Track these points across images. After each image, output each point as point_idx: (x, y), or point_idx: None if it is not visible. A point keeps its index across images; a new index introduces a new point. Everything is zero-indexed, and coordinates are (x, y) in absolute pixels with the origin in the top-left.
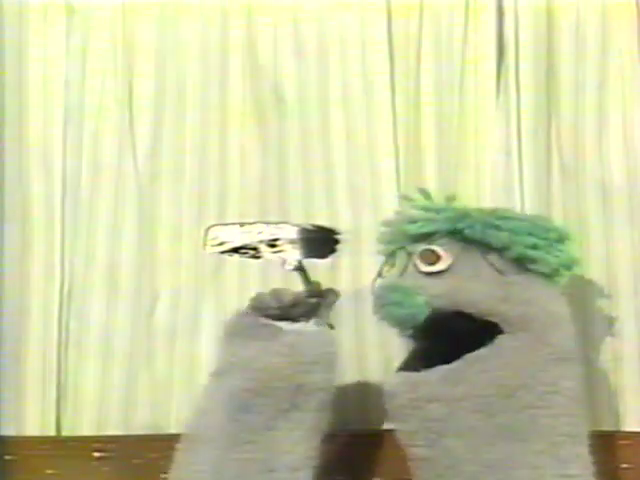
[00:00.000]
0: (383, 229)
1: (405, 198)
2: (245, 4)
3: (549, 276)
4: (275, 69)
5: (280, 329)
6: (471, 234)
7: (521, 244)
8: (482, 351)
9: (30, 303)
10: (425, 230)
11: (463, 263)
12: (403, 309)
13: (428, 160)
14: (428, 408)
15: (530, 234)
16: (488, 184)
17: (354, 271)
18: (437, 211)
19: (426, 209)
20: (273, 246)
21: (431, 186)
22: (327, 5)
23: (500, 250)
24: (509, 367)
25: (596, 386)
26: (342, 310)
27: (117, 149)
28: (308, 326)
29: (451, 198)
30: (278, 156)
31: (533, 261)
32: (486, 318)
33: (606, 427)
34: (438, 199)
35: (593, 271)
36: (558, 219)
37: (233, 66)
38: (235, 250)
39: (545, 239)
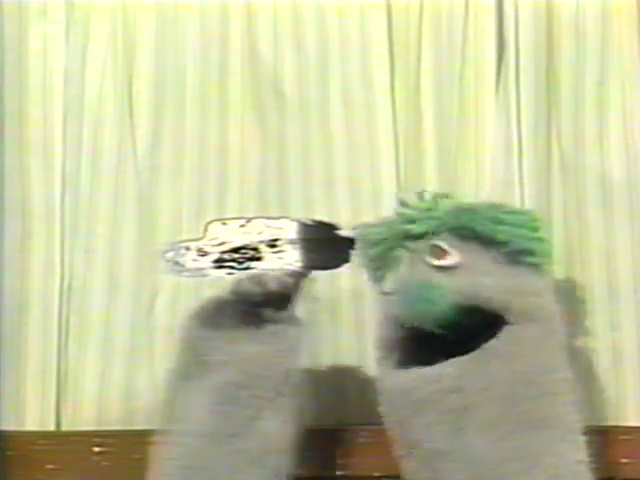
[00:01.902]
0: (375, 230)
1: (401, 201)
2: None
3: (538, 267)
4: (275, 64)
5: (260, 317)
6: (480, 229)
7: (523, 237)
8: (498, 340)
9: (30, 298)
10: (425, 229)
11: (469, 258)
12: (434, 306)
13: (428, 155)
14: (448, 400)
15: (526, 227)
16: (488, 181)
17: (353, 267)
18: (435, 209)
19: (423, 208)
20: (273, 246)
21: (431, 181)
22: (327, 1)
23: (502, 244)
24: (526, 355)
25: (596, 381)
26: (342, 307)
27: (117, 144)
28: (285, 312)
29: (440, 196)
30: (278, 151)
31: (531, 253)
32: (497, 312)
33: (606, 422)
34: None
35: (593, 266)
36: (557, 215)
37: (233, 61)
38: (235, 250)
39: (535, 230)
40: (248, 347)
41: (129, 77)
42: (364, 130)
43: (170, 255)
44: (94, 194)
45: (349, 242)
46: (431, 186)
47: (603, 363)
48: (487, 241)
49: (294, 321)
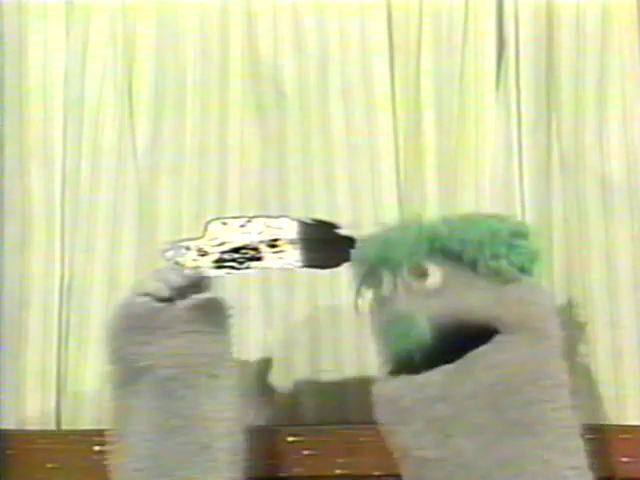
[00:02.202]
0: (358, 249)
1: (378, 223)
2: None
3: (519, 276)
4: (275, 63)
5: (172, 309)
6: (453, 250)
7: (483, 257)
8: (485, 347)
9: (30, 298)
10: (406, 251)
11: (450, 275)
12: (410, 339)
13: (428, 155)
14: (435, 408)
15: (489, 244)
16: (488, 180)
17: None
18: (409, 229)
19: (399, 228)
20: (273, 246)
21: (431, 181)
22: (327, 1)
23: (471, 263)
24: (513, 362)
25: (596, 380)
26: (342, 305)
27: (117, 144)
28: (199, 297)
29: (416, 216)
30: (278, 150)
31: (497, 272)
32: (483, 324)
33: (606, 421)
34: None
35: (593, 265)
36: (557, 214)
37: (233, 60)
38: (235, 250)
39: (503, 244)
40: (169, 341)
41: (129, 77)
42: (364, 130)
43: (170, 255)
44: (94, 194)
45: (349, 241)
46: (431, 185)
47: (603, 362)
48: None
49: (209, 303)
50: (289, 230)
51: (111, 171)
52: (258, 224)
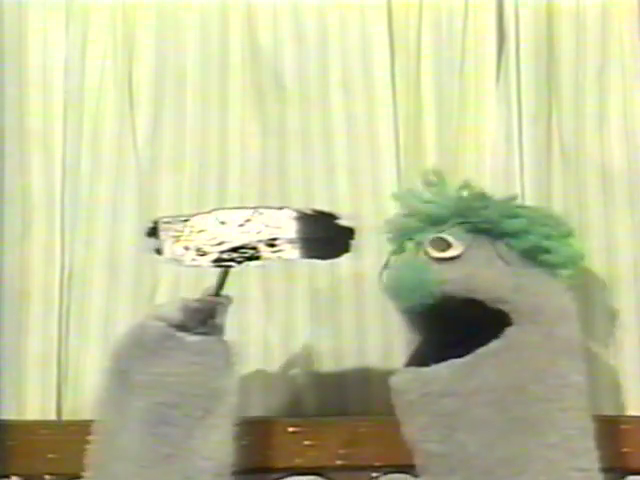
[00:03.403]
0: (392, 218)
1: (425, 183)
2: None
3: (557, 268)
4: (275, 55)
5: (185, 338)
6: (488, 218)
7: (537, 233)
8: (493, 344)
9: (30, 288)
10: (438, 212)
11: (474, 251)
12: (415, 287)
13: (428, 146)
14: (441, 403)
15: (544, 224)
16: (488, 170)
17: (354, 256)
18: (450, 195)
19: (440, 192)
20: (272, 246)
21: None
22: None
23: (514, 238)
24: (521, 360)
25: (598, 371)
26: (342, 297)
27: (117, 135)
28: (210, 332)
29: (463, 187)
30: (278, 142)
31: (547, 251)
32: (497, 307)
33: (608, 412)
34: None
35: (593, 258)
36: (558, 205)
37: (233, 52)
38: (234, 250)
39: (557, 231)
40: (175, 367)
41: (129, 68)
42: (364, 121)
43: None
44: (94, 185)
45: (349, 232)
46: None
47: (604, 353)
48: (497, 235)
49: (220, 340)
50: (288, 228)
51: (111, 163)
52: (257, 223)
